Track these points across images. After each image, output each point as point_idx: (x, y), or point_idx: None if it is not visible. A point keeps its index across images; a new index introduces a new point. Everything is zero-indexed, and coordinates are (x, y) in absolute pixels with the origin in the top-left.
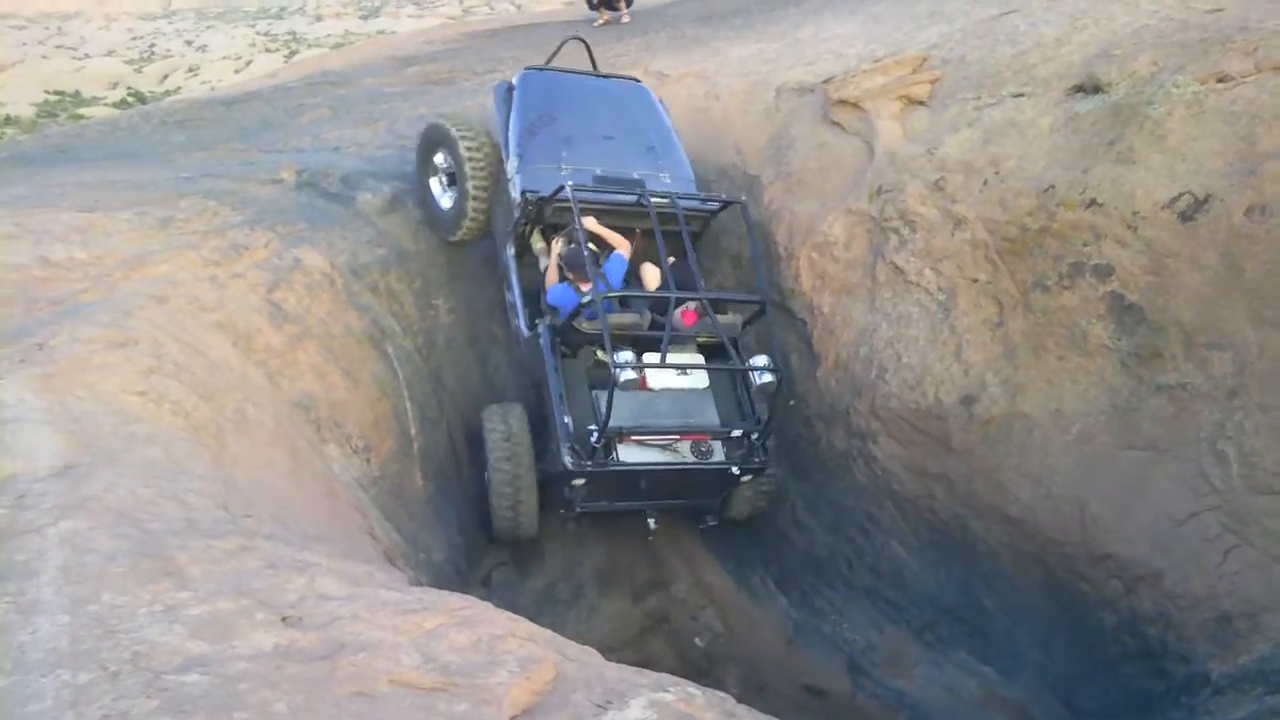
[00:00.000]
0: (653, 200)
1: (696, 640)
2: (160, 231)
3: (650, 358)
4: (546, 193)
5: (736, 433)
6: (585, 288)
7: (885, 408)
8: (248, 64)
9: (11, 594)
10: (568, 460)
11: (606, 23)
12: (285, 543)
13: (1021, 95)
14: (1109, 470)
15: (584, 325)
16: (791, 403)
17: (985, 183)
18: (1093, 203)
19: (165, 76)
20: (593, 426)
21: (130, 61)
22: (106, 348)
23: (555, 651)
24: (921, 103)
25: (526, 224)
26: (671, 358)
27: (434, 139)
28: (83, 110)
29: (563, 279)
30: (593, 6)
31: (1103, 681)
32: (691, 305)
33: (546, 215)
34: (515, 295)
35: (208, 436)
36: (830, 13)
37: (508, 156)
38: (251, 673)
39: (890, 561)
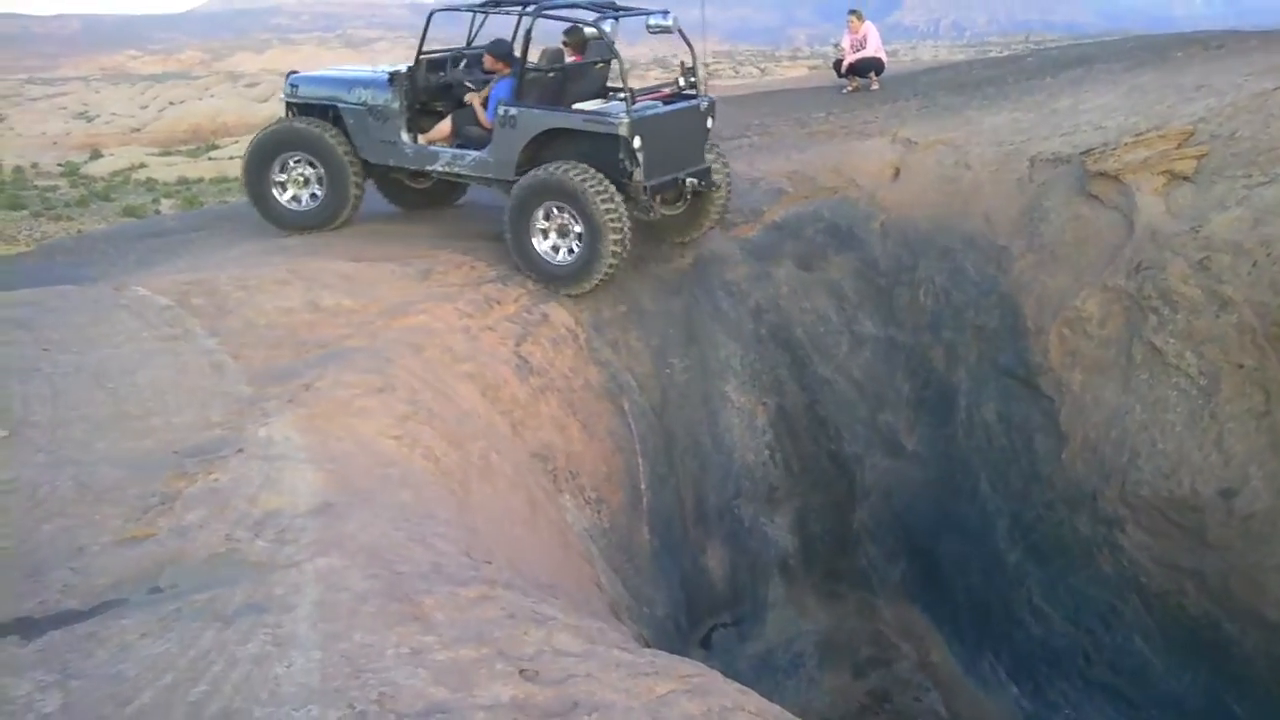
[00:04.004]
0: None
1: None
2: (420, 283)
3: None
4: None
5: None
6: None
7: (1136, 495)
8: None
9: (270, 626)
10: (626, 117)
11: (855, 90)
12: (523, 593)
13: None
14: None
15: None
16: None
17: (1255, 264)
18: None
19: None
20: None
21: None
22: (367, 392)
23: None
24: (1186, 178)
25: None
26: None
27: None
28: None
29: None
30: (841, 74)
31: None
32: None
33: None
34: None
35: (454, 482)
36: (1090, 83)
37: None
38: None
39: (1132, 658)
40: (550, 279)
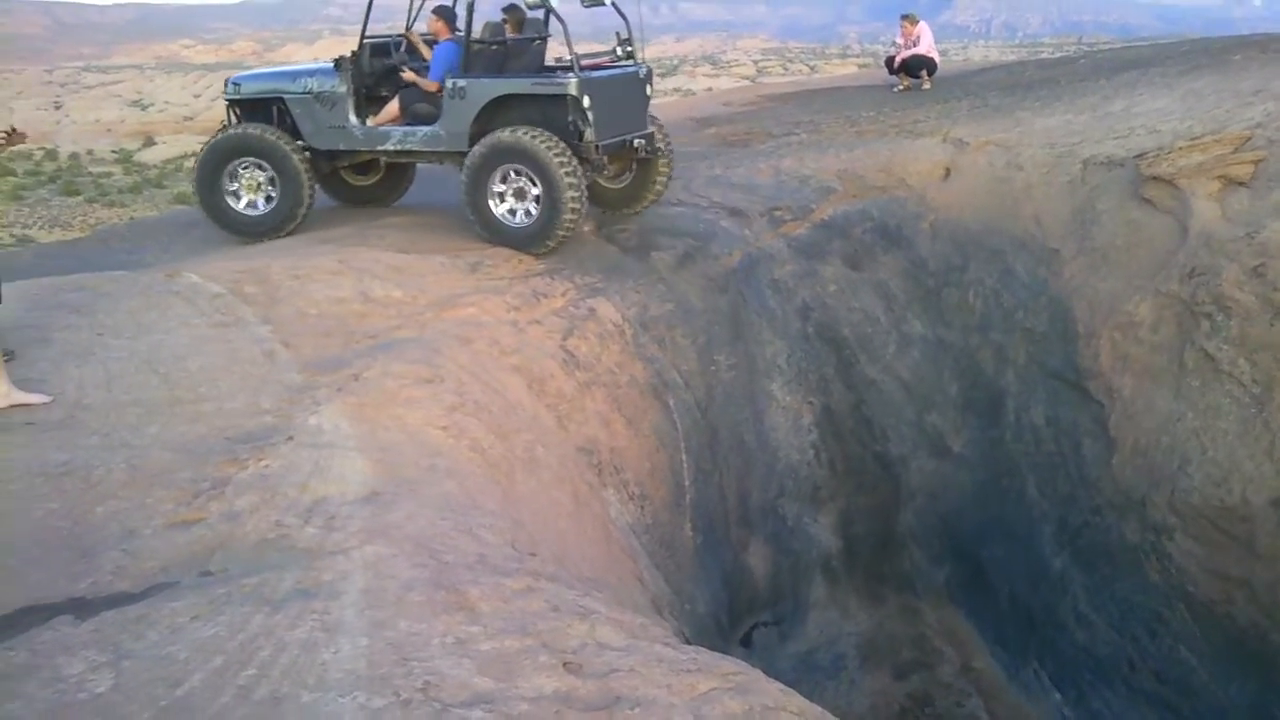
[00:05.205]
0: None
1: None
2: (470, 275)
3: None
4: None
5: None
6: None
7: (1186, 503)
8: None
9: (318, 612)
10: (575, 78)
11: (907, 89)
12: (567, 586)
13: None
14: None
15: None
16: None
17: None
18: None
19: None
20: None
21: None
22: (415, 383)
23: None
24: (1242, 184)
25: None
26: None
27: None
28: None
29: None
30: (893, 71)
31: None
32: None
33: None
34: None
35: (500, 473)
36: (1145, 87)
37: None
38: (532, 716)
39: (1178, 667)
40: (510, 241)
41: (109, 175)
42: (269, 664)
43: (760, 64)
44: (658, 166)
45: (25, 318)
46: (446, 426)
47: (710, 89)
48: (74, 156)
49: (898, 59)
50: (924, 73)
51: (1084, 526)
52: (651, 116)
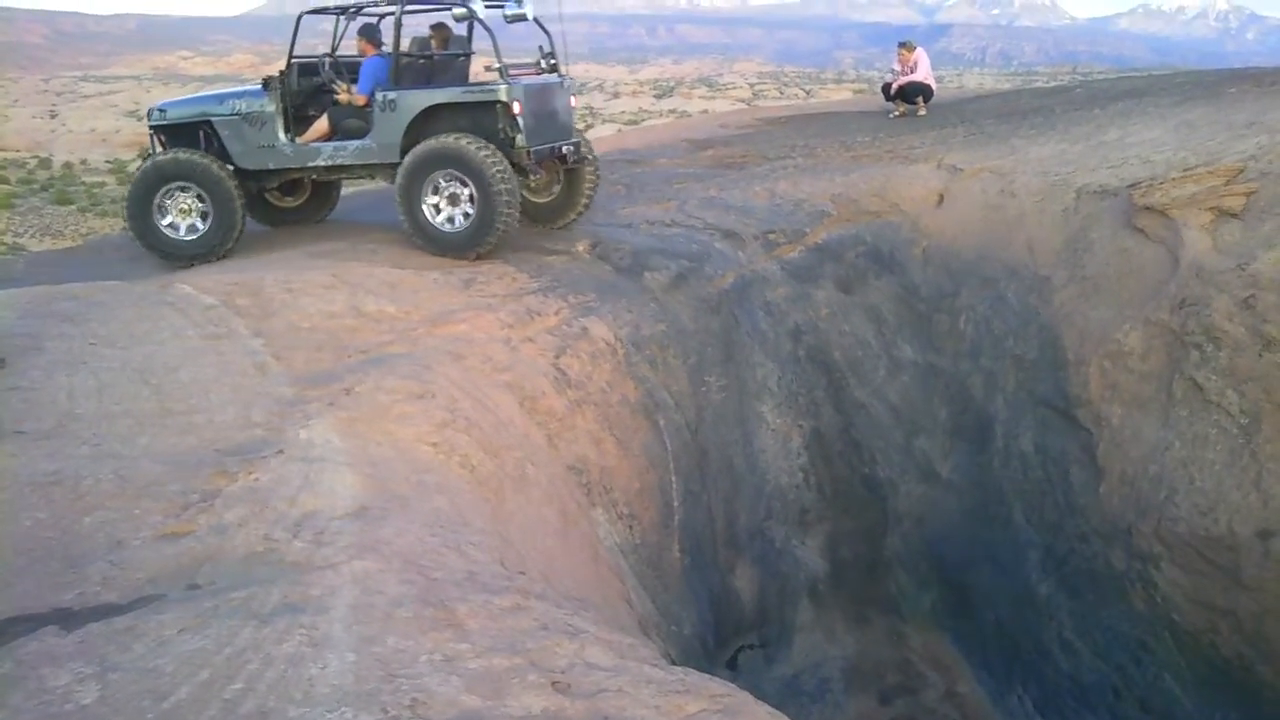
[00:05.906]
0: None
1: None
2: (463, 292)
3: None
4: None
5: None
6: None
7: (1172, 532)
8: None
9: (306, 627)
10: (505, 84)
11: (902, 115)
12: (555, 605)
13: None
14: None
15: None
16: None
17: None
18: None
19: None
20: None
21: None
22: (407, 398)
23: None
24: (1234, 215)
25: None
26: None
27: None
28: None
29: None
30: (889, 97)
31: None
32: None
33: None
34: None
35: (489, 490)
36: (1139, 117)
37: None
38: None
39: (1162, 696)
40: (443, 247)
41: (102, 185)
42: (256, 678)
43: (756, 87)
44: (585, 176)
45: (17, 326)
46: (437, 443)
47: (706, 111)
48: (68, 165)
49: (894, 85)
50: (920, 99)
51: (1070, 554)
52: (576, 130)
